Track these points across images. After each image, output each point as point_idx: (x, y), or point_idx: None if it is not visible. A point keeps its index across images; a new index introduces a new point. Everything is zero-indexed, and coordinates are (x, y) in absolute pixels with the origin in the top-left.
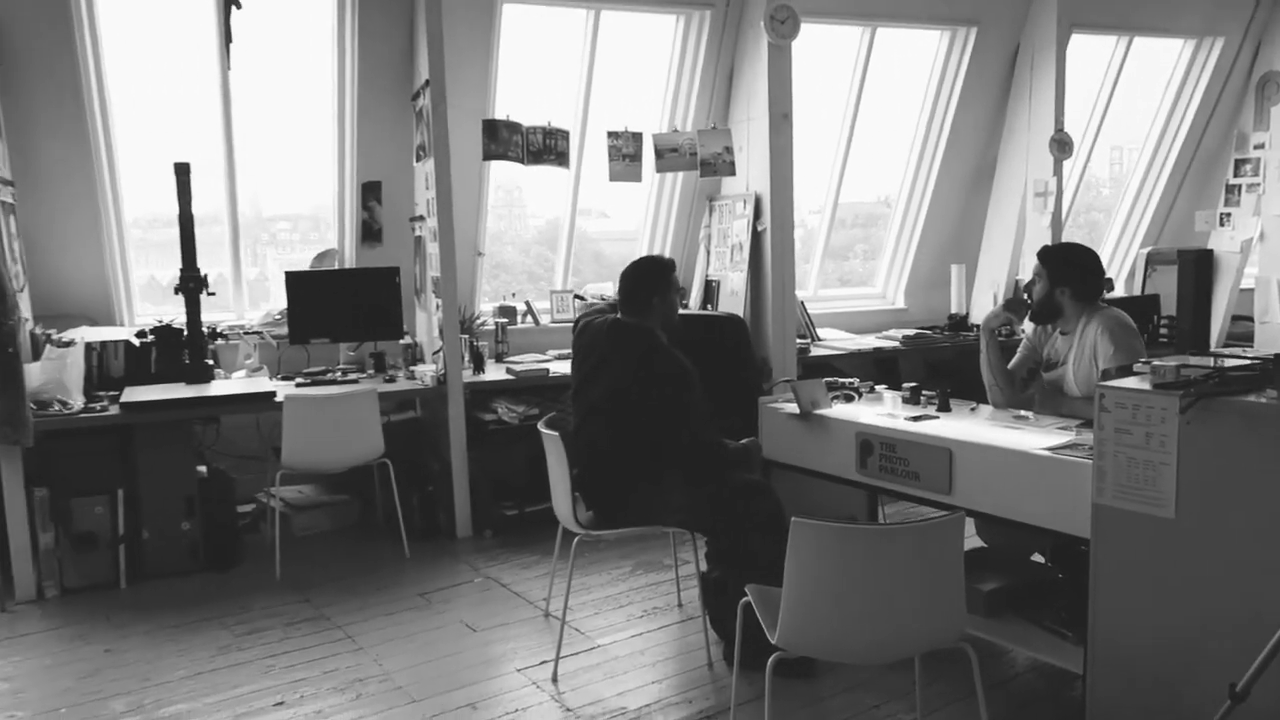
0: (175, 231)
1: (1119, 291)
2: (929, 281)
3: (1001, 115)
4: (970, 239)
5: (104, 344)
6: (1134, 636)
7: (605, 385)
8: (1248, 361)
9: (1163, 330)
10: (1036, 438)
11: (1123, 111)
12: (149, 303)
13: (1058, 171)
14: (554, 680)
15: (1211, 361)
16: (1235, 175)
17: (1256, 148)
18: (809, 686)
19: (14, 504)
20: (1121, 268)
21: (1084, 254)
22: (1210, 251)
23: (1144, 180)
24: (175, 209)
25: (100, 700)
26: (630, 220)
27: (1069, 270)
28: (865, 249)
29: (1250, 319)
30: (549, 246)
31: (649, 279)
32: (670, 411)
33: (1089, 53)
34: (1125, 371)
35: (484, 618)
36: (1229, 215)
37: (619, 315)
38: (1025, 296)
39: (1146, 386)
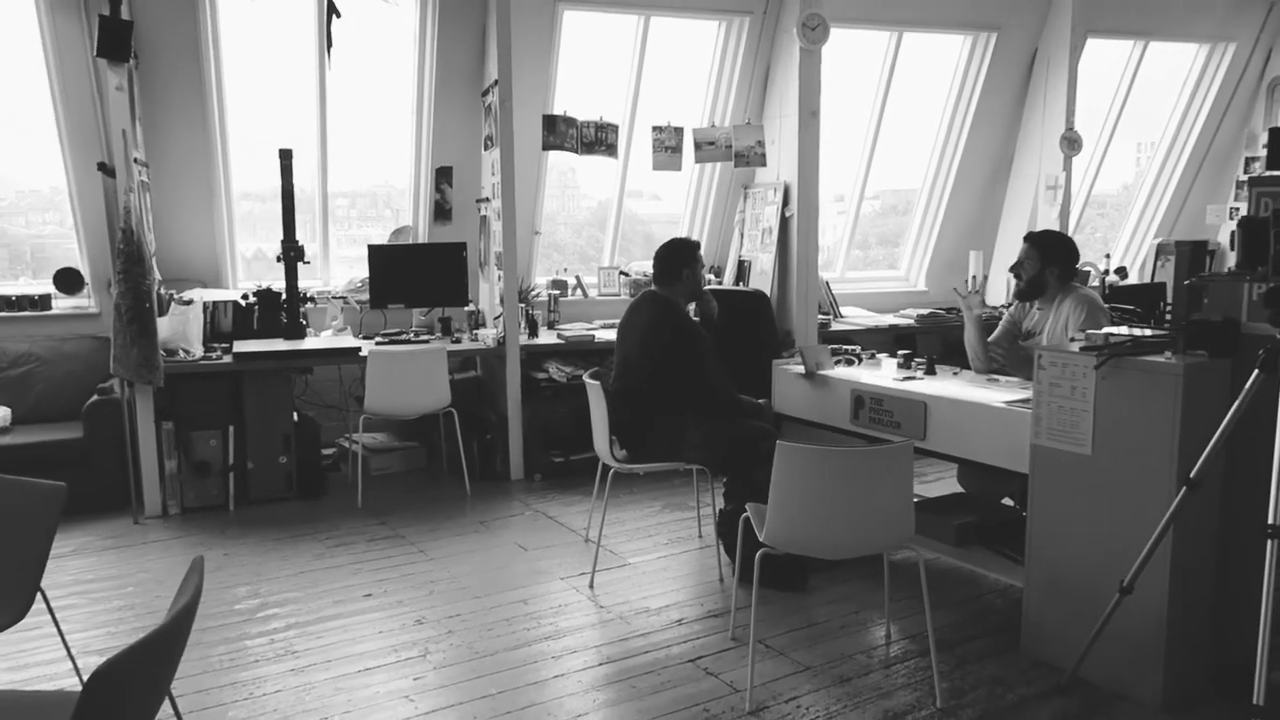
0: (262, 206)
1: (1132, 279)
2: (949, 265)
3: (1019, 114)
4: (988, 227)
5: (215, 303)
6: (1060, 550)
7: (636, 342)
8: (1159, 331)
9: (1168, 316)
10: (999, 394)
11: (1143, 110)
12: (244, 269)
13: (1067, 167)
14: (590, 586)
15: (1134, 331)
16: (1245, 172)
17: (1265, 146)
18: (801, 598)
19: (146, 435)
20: (1136, 257)
21: (1068, 240)
22: (1205, 243)
23: (1159, 174)
24: (266, 186)
25: (227, 588)
26: (679, 204)
27: (1059, 252)
28: (897, 234)
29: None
30: (599, 228)
31: (677, 256)
32: (688, 364)
33: (1108, 55)
34: None
35: (533, 541)
36: (1238, 210)
37: (654, 288)
38: (1014, 275)
39: (1074, 349)
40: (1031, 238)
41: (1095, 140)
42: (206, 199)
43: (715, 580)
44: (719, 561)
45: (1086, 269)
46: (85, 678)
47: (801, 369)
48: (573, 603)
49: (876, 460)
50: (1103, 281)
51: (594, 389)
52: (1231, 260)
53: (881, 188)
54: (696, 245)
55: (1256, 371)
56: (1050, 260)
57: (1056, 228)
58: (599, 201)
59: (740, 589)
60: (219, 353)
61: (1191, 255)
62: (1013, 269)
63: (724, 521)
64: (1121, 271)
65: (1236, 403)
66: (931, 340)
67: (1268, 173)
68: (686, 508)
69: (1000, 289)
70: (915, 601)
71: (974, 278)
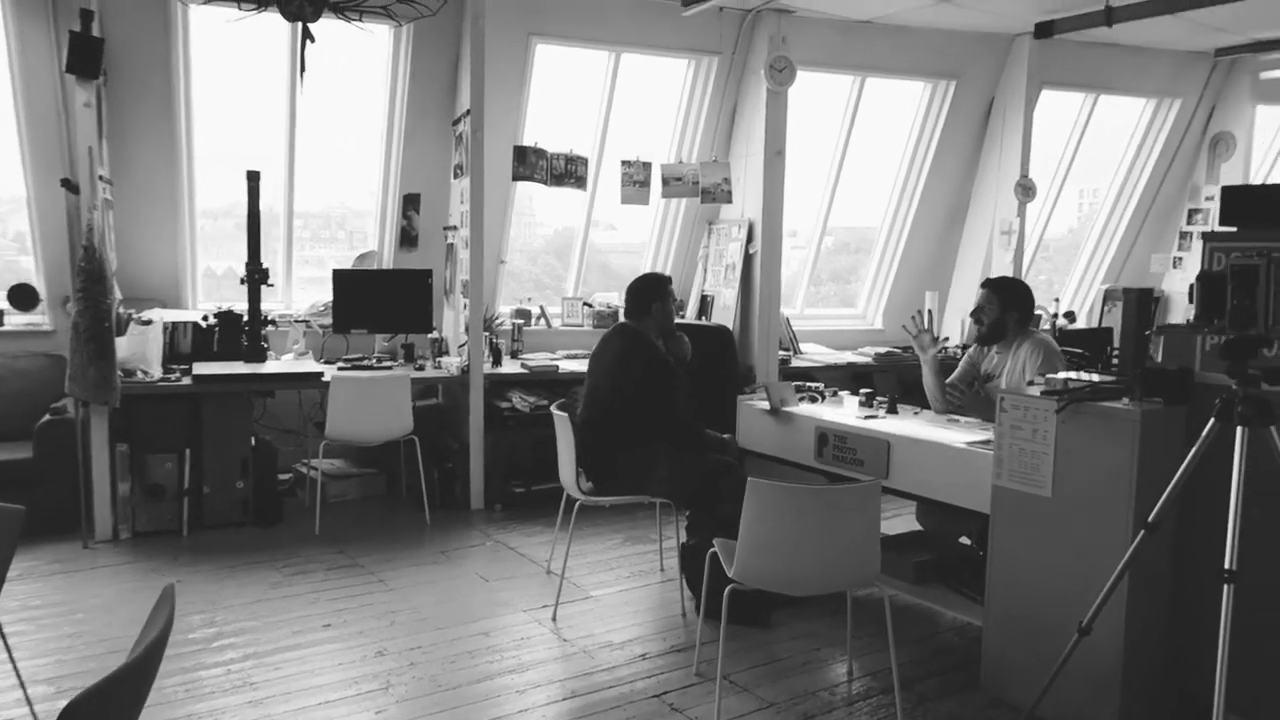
0: (214, 224)
1: (1080, 323)
2: (906, 305)
3: (975, 160)
4: (944, 268)
5: (175, 324)
6: (1019, 590)
7: (605, 374)
8: (1117, 378)
9: (1114, 359)
10: (960, 434)
11: (1093, 159)
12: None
13: (1021, 213)
14: (553, 619)
15: (1092, 377)
16: (1188, 223)
17: (1207, 199)
18: (764, 634)
19: (100, 457)
20: (1084, 303)
21: (1026, 287)
22: (1151, 291)
23: (1107, 222)
24: (225, 204)
25: (181, 617)
26: (636, 234)
27: (1018, 298)
28: (855, 272)
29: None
30: (556, 256)
31: (647, 290)
32: (656, 397)
33: (1061, 106)
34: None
35: (495, 572)
36: (1181, 259)
37: (625, 321)
38: (974, 320)
39: (1035, 393)
40: (991, 284)
41: (1047, 187)
42: (169, 217)
43: (678, 614)
44: (682, 595)
45: (1038, 313)
46: (35, 708)
47: (766, 405)
48: (536, 635)
49: (846, 498)
50: (1053, 325)
51: (561, 420)
52: (1176, 308)
53: (833, 224)
54: (667, 280)
55: (1213, 420)
56: (1010, 306)
57: (1010, 272)
58: (555, 230)
59: (704, 624)
60: (178, 374)
61: (1138, 302)
62: (973, 314)
63: (687, 556)
64: (1070, 316)
65: (1194, 450)
66: (888, 378)
67: (1220, 228)
68: (648, 541)
69: (956, 329)
70: (876, 639)
71: (920, 313)
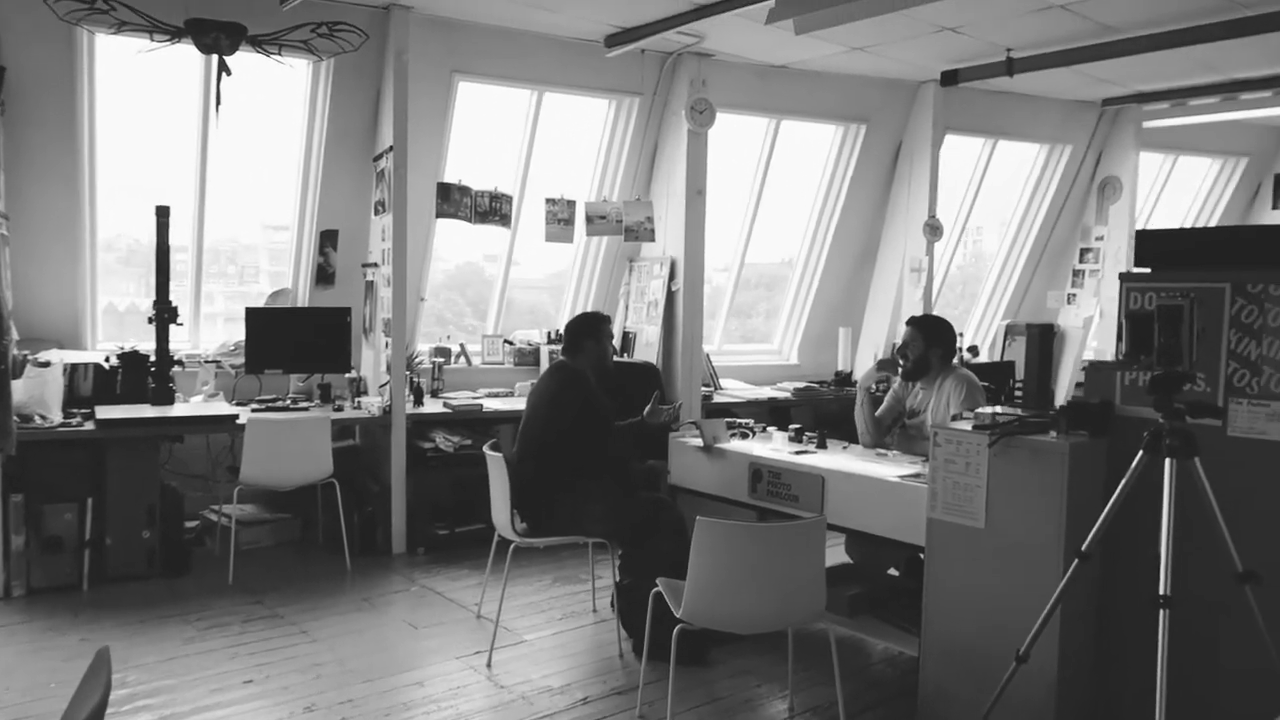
0: (110, 256)
1: (983, 357)
2: (820, 340)
3: (885, 200)
4: (856, 305)
5: (74, 366)
6: (955, 621)
7: (539, 412)
8: (1044, 412)
9: (1017, 392)
10: (892, 469)
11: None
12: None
13: (929, 252)
14: (488, 666)
15: (1018, 411)
16: (1080, 261)
17: (1097, 239)
18: (703, 672)
19: None
20: (986, 337)
21: (948, 324)
22: (1052, 326)
23: (1005, 261)
24: (127, 238)
25: None
26: (540, 270)
27: (941, 335)
28: (768, 308)
29: None
30: (458, 291)
31: (583, 328)
32: (589, 436)
33: (964, 149)
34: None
35: (423, 618)
36: (1075, 295)
37: (562, 358)
38: (898, 358)
39: (969, 428)
40: (915, 321)
41: (951, 225)
42: (69, 254)
43: (615, 655)
44: (618, 636)
45: None
46: None
47: (699, 442)
48: (471, 683)
49: (792, 535)
50: (960, 359)
51: (494, 460)
52: (1072, 342)
53: (754, 259)
54: (602, 319)
55: (1141, 452)
56: (933, 342)
57: (920, 308)
58: (455, 265)
59: (645, 664)
60: (79, 419)
61: (1041, 337)
62: (899, 350)
63: (623, 595)
64: (974, 350)
65: (1124, 481)
66: (804, 412)
67: (1135, 269)
68: (578, 580)
69: (869, 363)
70: (814, 673)
71: (892, 345)
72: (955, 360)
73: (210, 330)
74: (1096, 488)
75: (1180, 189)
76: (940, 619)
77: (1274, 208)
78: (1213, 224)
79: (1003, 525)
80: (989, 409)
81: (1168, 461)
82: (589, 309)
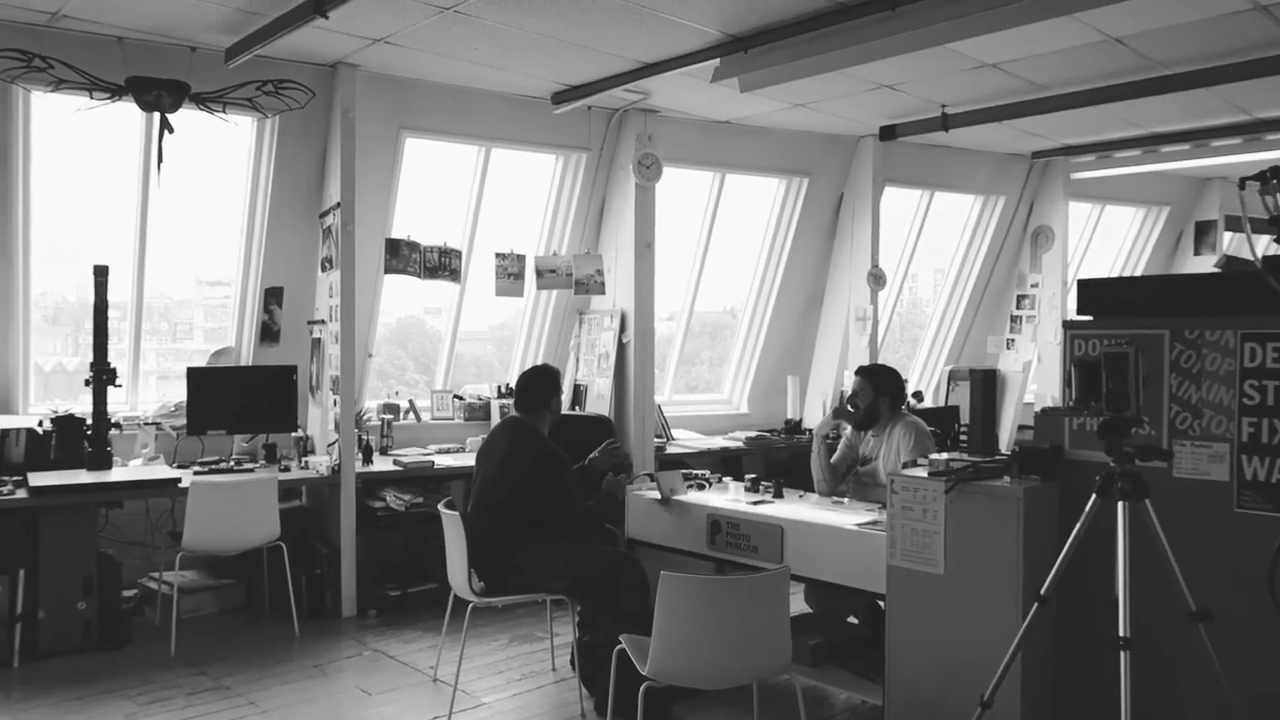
0: (52, 315)
1: (927, 402)
2: (769, 389)
3: (829, 250)
4: (804, 354)
5: (5, 431)
6: (918, 667)
7: (495, 469)
8: (996, 458)
9: (962, 436)
10: (849, 516)
11: (933, 245)
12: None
13: (874, 300)
14: None
15: (971, 458)
16: (1017, 308)
17: (1033, 286)
18: None
19: None
20: (929, 382)
21: (896, 373)
22: (995, 371)
23: (946, 307)
24: (61, 295)
25: None
26: (481, 322)
27: (889, 383)
28: (712, 355)
29: (1032, 428)
30: (399, 345)
31: (545, 385)
32: (549, 491)
33: (903, 200)
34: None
35: (377, 684)
36: (1013, 340)
37: (515, 414)
38: (849, 406)
39: (925, 475)
40: (864, 371)
41: (893, 273)
42: (1, 315)
43: (577, 716)
44: (580, 695)
45: None
46: None
47: (656, 494)
48: None
49: (758, 587)
50: (906, 405)
51: (450, 520)
52: (1012, 386)
53: (698, 308)
54: (556, 373)
55: (1095, 496)
56: (882, 390)
57: (867, 356)
58: (397, 319)
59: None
60: (10, 486)
61: (984, 382)
62: (849, 400)
63: (584, 653)
64: (918, 395)
65: (1079, 524)
66: (756, 461)
67: (1077, 317)
68: (534, 639)
69: (816, 410)
70: None
71: (840, 393)
72: (904, 407)
73: (145, 389)
74: (1050, 530)
75: (1108, 237)
76: (903, 666)
77: (1196, 254)
78: (1139, 269)
79: (961, 570)
80: (941, 455)
81: (1120, 504)
82: (539, 362)
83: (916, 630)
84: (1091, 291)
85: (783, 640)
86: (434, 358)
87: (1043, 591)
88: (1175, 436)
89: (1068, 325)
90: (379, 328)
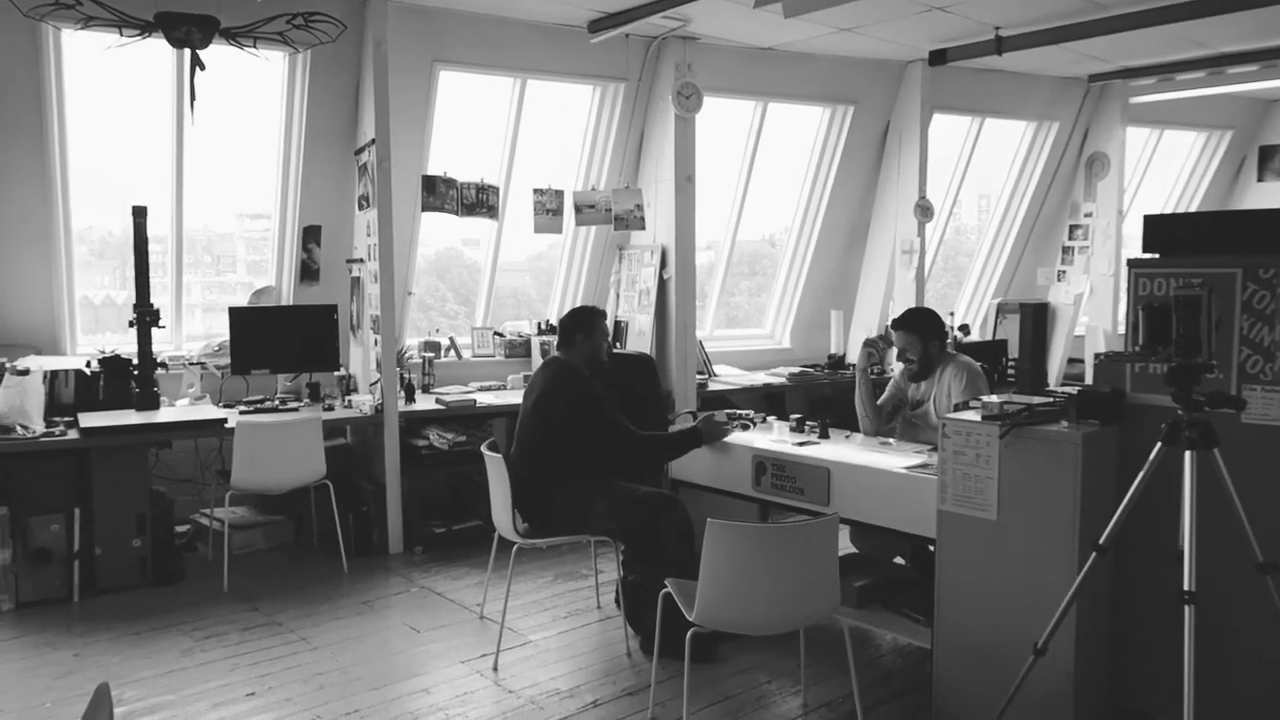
0: (99, 249)
1: (974, 336)
2: (811, 324)
3: (874, 181)
4: (848, 288)
5: (54, 373)
6: (968, 614)
7: (532, 409)
8: (1052, 400)
9: (1010, 371)
10: (898, 459)
11: (986, 167)
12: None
13: (920, 233)
14: (495, 669)
15: (1027, 400)
16: (1069, 238)
17: (1086, 216)
18: (711, 670)
19: None
20: (977, 315)
21: (932, 312)
22: (1046, 305)
23: (995, 239)
24: (100, 226)
25: (81, 696)
26: (519, 252)
27: (932, 328)
28: (750, 285)
29: (1082, 361)
30: (438, 276)
31: (576, 322)
32: (586, 431)
33: (952, 127)
34: (968, 406)
35: (425, 621)
36: (1064, 272)
37: (556, 353)
38: (881, 340)
39: (978, 419)
40: (904, 324)
41: (941, 203)
42: (43, 256)
43: (623, 654)
44: (625, 634)
45: None
46: None
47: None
48: (479, 689)
49: (806, 535)
50: (954, 339)
51: (493, 462)
52: (1062, 320)
53: (716, 239)
54: (596, 313)
55: (1160, 444)
56: (929, 336)
57: (913, 290)
58: (436, 251)
59: (651, 663)
60: (61, 428)
61: (1034, 316)
62: (899, 358)
63: (628, 592)
64: (965, 329)
65: (1142, 473)
66: (798, 396)
67: (1144, 255)
68: (579, 576)
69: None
70: (824, 666)
71: (885, 327)
72: (949, 343)
73: (189, 321)
74: (1109, 477)
75: (1166, 162)
76: (953, 612)
77: (1259, 179)
78: (1198, 196)
79: (1015, 517)
80: (995, 398)
81: (1187, 454)
82: (579, 298)
83: (967, 577)
84: (1158, 228)
85: (831, 588)
86: (472, 289)
87: (1101, 541)
88: (1245, 381)
89: (1133, 264)
90: (418, 260)
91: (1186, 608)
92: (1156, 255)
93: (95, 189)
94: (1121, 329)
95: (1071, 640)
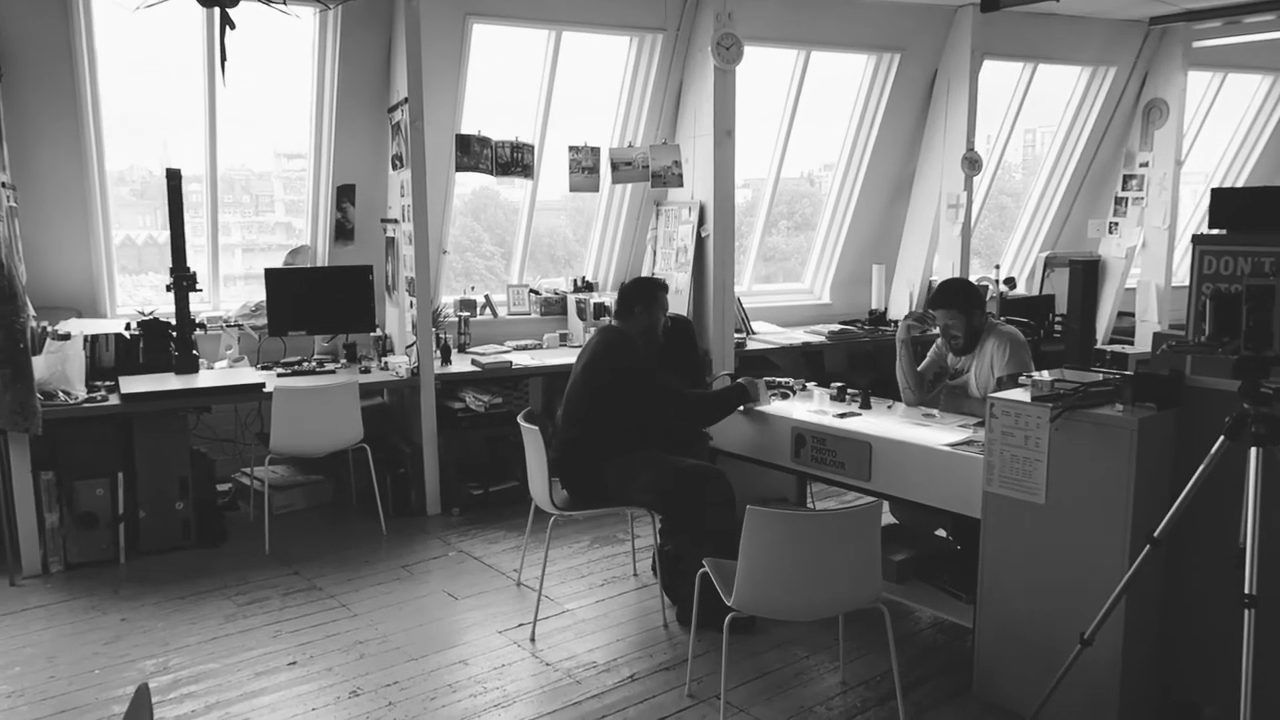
0: (140, 189)
1: (1020, 290)
2: (852, 279)
3: (920, 133)
4: (890, 242)
5: (95, 336)
6: (1013, 597)
7: (579, 377)
8: (1106, 380)
9: (1057, 329)
10: (941, 434)
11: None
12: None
13: (968, 186)
14: (532, 639)
15: (1080, 378)
16: (1123, 189)
17: (1141, 166)
18: (749, 642)
19: (22, 487)
20: (1024, 269)
21: (967, 282)
22: (1097, 261)
23: (1045, 189)
24: (140, 167)
25: (129, 662)
26: (555, 191)
27: (971, 299)
28: (789, 225)
29: (1132, 315)
30: (473, 216)
31: (634, 293)
32: (637, 403)
33: (1001, 75)
34: (1014, 380)
35: (463, 587)
36: (1117, 224)
37: (612, 320)
38: (925, 315)
39: (1027, 399)
40: (943, 301)
41: (988, 154)
42: (80, 218)
43: (659, 626)
44: (662, 604)
45: (984, 283)
46: None
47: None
48: (516, 660)
49: (846, 522)
50: (1000, 294)
51: (531, 434)
52: (1113, 274)
53: (752, 178)
54: (657, 285)
55: (1223, 438)
56: (971, 309)
57: (959, 246)
58: (471, 190)
59: (688, 635)
60: (103, 392)
61: (1084, 274)
62: (943, 336)
63: (666, 563)
64: (1010, 282)
65: (1202, 467)
66: (837, 354)
67: (1210, 230)
68: (615, 541)
69: (904, 302)
70: (863, 642)
71: (929, 282)
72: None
73: (228, 261)
74: (1164, 464)
75: (1227, 109)
76: (997, 595)
77: None
78: (1262, 144)
79: (1064, 502)
80: (1045, 376)
81: (1253, 450)
82: (615, 254)
83: (1013, 560)
84: (1226, 202)
85: (872, 575)
86: (507, 229)
87: (1156, 534)
88: None
89: (1198, 240)
90: (454, 216)
91: (1246, 611)
92: (1224, 231)
93: (133, 131)
94: (1175, 282)
95: (1120, 633)
